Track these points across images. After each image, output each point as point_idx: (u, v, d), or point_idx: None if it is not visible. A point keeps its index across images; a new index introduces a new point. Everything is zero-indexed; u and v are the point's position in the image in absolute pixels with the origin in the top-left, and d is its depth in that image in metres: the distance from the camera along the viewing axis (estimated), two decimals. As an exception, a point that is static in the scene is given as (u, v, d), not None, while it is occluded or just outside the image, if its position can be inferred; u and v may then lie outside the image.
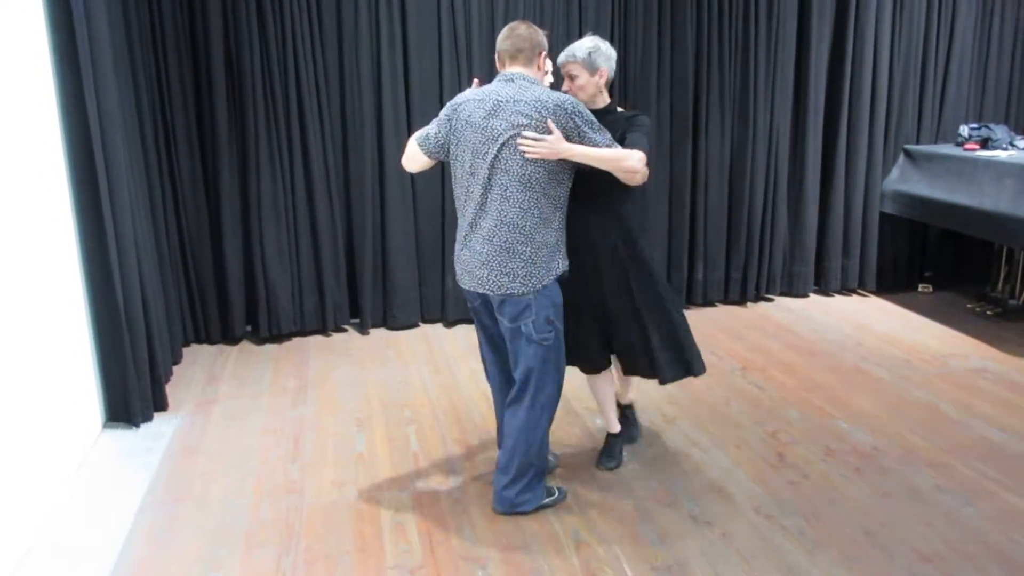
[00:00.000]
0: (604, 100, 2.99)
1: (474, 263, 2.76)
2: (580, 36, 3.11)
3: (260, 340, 4.77)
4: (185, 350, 4.61)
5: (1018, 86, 5.66)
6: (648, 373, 3.09)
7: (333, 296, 4.86)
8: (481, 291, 2.78)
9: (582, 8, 4.87)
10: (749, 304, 5.45)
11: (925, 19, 5.35)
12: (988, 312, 5.17)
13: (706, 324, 5.03)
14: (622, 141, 2.79)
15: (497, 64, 2.81)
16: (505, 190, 2.67)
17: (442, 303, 5.03)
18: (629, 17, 4.95)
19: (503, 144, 2.64)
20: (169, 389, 3.97)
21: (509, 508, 2.90)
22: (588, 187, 2.86)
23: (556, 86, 2.92)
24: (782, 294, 5.57)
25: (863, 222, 5.54)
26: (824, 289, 5.64)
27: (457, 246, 2.85)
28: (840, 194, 5.46)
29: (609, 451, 3.27)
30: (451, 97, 2.90)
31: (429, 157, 2.87)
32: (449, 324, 5.04)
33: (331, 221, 4.77)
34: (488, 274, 2.73)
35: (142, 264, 3.76)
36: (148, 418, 3.68)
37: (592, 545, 2.75)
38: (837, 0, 5.22)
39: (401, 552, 2.72)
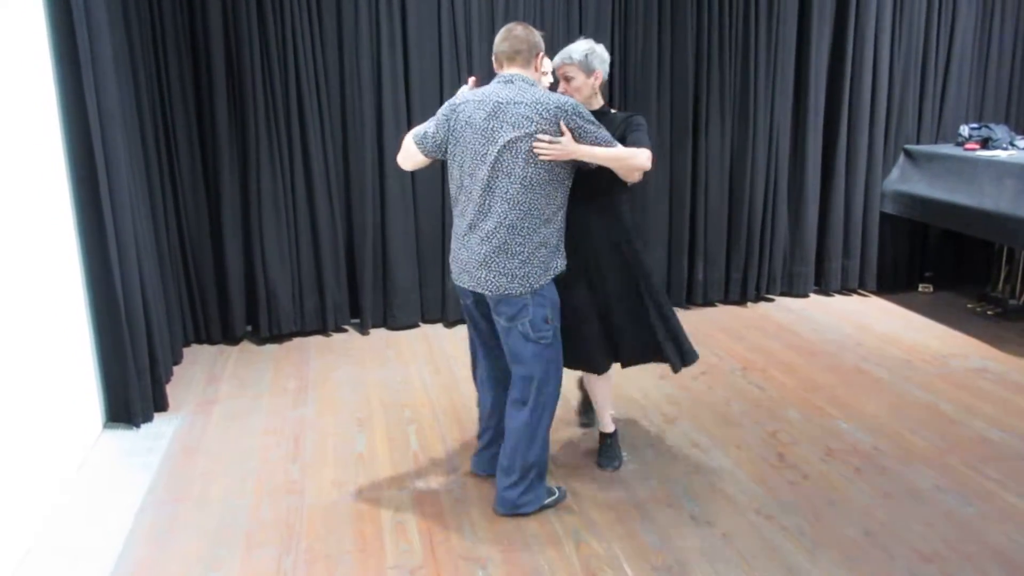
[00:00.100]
0: (599, 102, 3.04)
1: (472, 263, 2.77)
2: (581, 36, 3.13)
3: (260, 340, 4.77)
4: (185, 350, 4.61)
5: (1018, 86, 5.66)
6: (653, 359, 3.12)
7: (333, 296, 4.86)
8: (479, 291, 2.79)
9: (582, 8, 4.87)
10: (749, 304, 5.45)
11: (925, 19, 5.35)
12: (988, 312, 5.17)
13: (706, 324, 5.04)
14: (622, 141, 2.84)
15: (494, 65, 2.82)
16: (506, 192, 2.68)
17: (442, 303, 5.03)
18: (629, 17, 4.95)
19: (504, 146, 2.65)
20: (169, 389, 3.97)
21: (511, 509, 2.90)
22: (588, 187, 2.88)
23: (554, 86, 2.93)
24: (782, 294, 5.57)
25: (863, 222, 5.54)
26: (824, 289, 5.64)
27: (454, 245, 2.86)
28: (840, 194, 5.46)
29: (609, 451, 3.27)
30: (451, 97, 2.90)
31: (426, 156, 2.88)
32: (449, 324, 5.04)
33: (331, 221, 4.77)
34: (486, 274, 2.74)
35: (142, 264, 3.76)
36: (148, 418, 3.68)
37: (592, 545, 2.75)
38: (837, 0, 5.23)
39: (401, 552, 2.72)
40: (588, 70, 2.93)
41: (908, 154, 5.38)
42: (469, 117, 2.72)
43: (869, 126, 5.39)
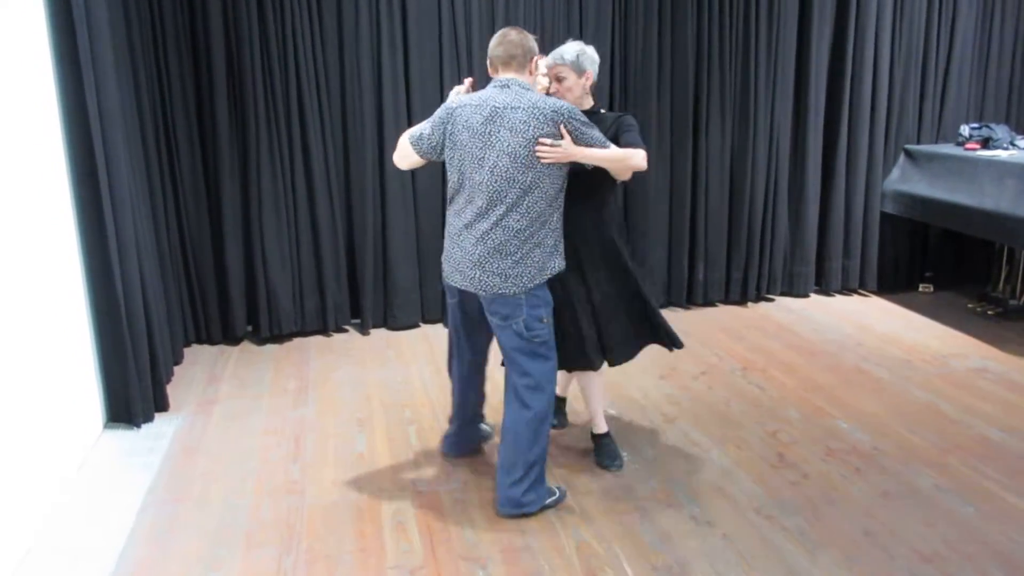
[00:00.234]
0: (589, 102, 3.11)
1: (465, 263, 2.79)
2: (581, 37, 3.15)
3: (261, 340, 4.77)
4: (186, 350, 4.61)
5: (1019, 86, 5.65)
6: (647, 344, 3.24)
7: (334, 296, 4.86)
8: (471, 290, 2.81)
9: (582, 8, 4.87)
10: (750, 304, 5.45)
11: (925, 19, 5.34)
12: (989, 312, 5.17)
13: (706, 324, 5.04)
14: (614, 141, 2.91)
15: (489, 70, 2.87)
16: (504, 195, 2.71)
17: (443, 303, 5.03)
18: (629, 17, 4.95)
19: (501, 150, 2.68)
20: (170, 389, 3.97)
21: (515, 509, 2.89)
22: (583, 186, 2.95)
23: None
24: (783, 294, 5.57)
25: (864, 222, 5.54)
26: (825, 289, 5.64)
27: (447, 244, 2.89)
28: (841, 194, 5.45)
29: (609, 451, 3.28)
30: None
31: (421, 157, 2.91)
32: (449, 324, 5.04)
33: (332, 221, 4.77)
34: (479, 274, 2.76)
35: (143, 264, 3.76)
36: (149, 418, 3.68)
37: (592, 545, 2.75)
38: (837, 0, 5.23)
39: (402, 552, 2.72)
40: (579, 70, 3.00)
41: (908, 154, 5.38)
42: (467, 121, 2.75)
43: (869, 126, 5.38)
